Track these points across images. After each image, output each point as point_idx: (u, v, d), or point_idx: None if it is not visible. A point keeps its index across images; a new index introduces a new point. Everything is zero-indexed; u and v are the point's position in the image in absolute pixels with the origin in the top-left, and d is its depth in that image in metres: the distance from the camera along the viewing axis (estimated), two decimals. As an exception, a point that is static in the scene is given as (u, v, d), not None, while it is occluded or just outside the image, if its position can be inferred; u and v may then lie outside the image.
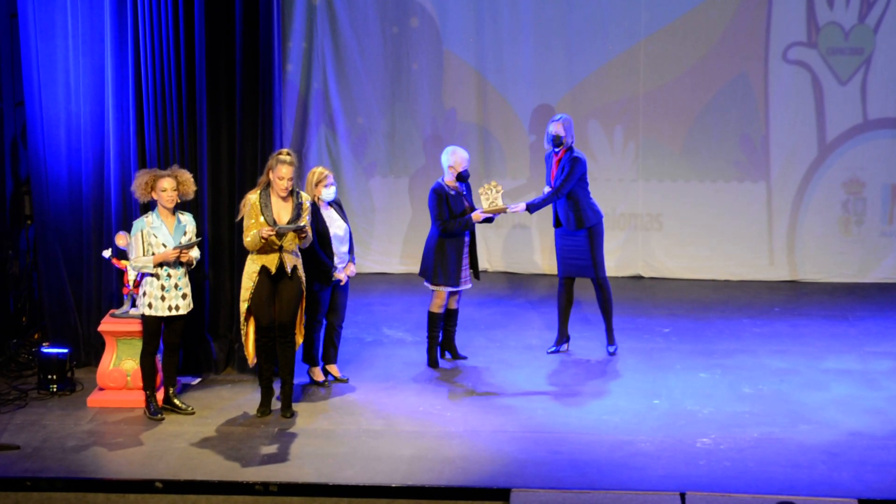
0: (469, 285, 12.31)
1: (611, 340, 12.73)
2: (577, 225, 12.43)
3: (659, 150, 15.54)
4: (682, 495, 9.51)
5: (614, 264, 15.71)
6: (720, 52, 15.34)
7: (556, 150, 12.35)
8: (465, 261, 12.17)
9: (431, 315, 12.28)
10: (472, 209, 12.08)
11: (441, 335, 12.44)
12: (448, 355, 12.52)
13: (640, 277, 15.67)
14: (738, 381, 11.92)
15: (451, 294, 12.27)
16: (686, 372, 12.20)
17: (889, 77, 15.22)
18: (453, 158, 11.99)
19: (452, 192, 12.04)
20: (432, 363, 12.33)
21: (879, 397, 11.51)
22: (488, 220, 12.25)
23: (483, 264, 15.38)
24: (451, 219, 11.97)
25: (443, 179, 12.08)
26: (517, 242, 15.83)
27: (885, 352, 12.74)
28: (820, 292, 15.03)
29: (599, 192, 15.53)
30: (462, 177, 12.01)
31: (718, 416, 11.09)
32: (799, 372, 12.17)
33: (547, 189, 12.43)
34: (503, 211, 12.11)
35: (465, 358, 12.49)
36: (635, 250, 15.71)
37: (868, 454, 10.25)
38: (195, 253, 11.09)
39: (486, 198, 12.04)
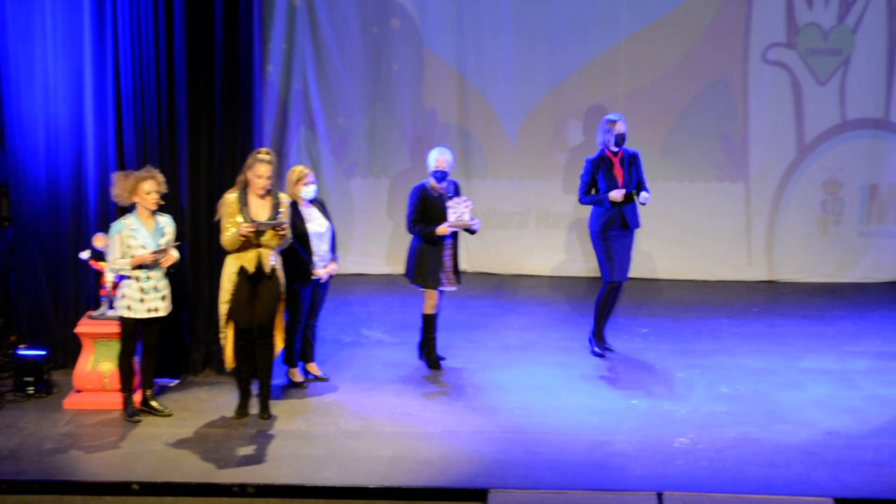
0: (451, 287, 12.28)
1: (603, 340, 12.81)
2: (636, 223, 12.57)
3: (639, 151, 15.52)
4: (660, 495, 9.53)
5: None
6: (700, 53, 15.37)
7: (617, 149, 12.37)
8: (448, 263, 12.16)
9: (426, 317, 12.25)
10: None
11: (421, 336, 12.45)
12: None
13: (619, 278, 15.69)
14: (716, 381, 11.94)
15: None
16: (664, 372, 12.22)
17: (868, 78, 15.27)
18: (430, 158, 12.00)
19: (435, 194, 12.04)
20: (432, 364, 12.30)
21: (856, 397, 11.54)
22: (470, 232, 12.18)
23: (461, 265, 15.39)
24: (419, 223, 11.97)
25: (427, 180, 12.09)
26: (497, 243, 15.84)
27: (863, 351, 12.77)
28: (798, 292, 15.07)
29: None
30: (436, 177, 12.01)
31: (696, 416, 11.11)
32: (777, 372, 12.20)
33: (620, 191, 12.35)
34: (468, 227, 12.04)
35: (443, 359, 12.48)
36: (615, 251, 15.73)
37: (845, 453, 10.28)
38: (175, 254, 11.06)
39: (454, 212, 11.98)
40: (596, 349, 12.70)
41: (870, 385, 11.83)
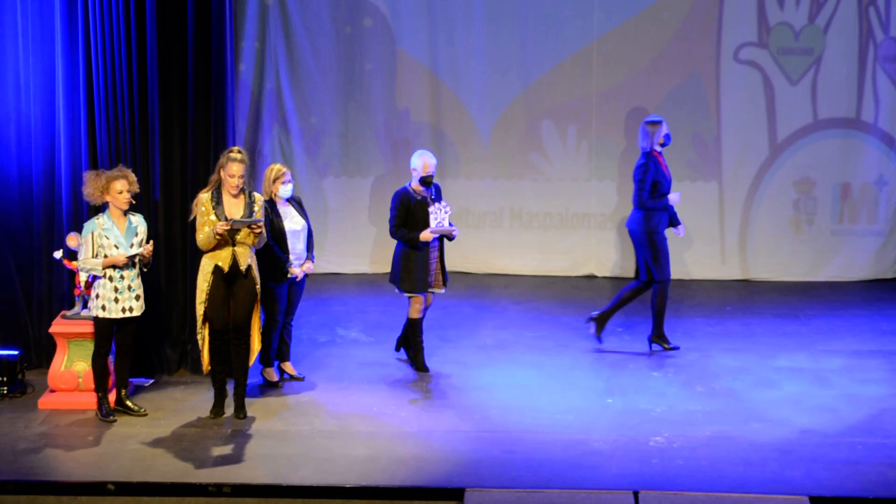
0: (439, 291, 12.14)
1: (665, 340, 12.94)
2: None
3: (612, 150, 15.58)
4: (636, 494, 9.54)
5: (568, 264, 15.76)
6: (672, 53, 15.40)
7: (660, 149, 12.54)
8: (433, 265, 12.05)
9: (412, 321, 12.15)
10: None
11: (401, 332, 12.38)
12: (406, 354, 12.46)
13: (593, 277, 15.71)
14: (691, 380, 11.97)
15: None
16: (639, 371, 12.24)
17: (839, 77, 15.33)
18: (417, 162, 11.88)
19: (418, 198, 11.93)
20: (420, 368, 12.20)
21: (830, 395, 11.58)
22: (449, 238, 12.05)
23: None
24: (401, 227, 11.91)
25: (409, 184, 12.02)
26: (471, 243, 15.81)
27: (836, 350, 12.82)
28: (772, 291, 15.11)
29: (553, 191, 15.64)
30: (424, 181, 11.94)
31: (671, 414, 11.13)
32: (751, 370, 12.23)
33: (678, 193, 12.67)
34: (448, 234, 11.95)
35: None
36: (588, 250, 15.75)
37: (819, 451, 10.31)
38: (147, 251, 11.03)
39: (435, 217, 11.89)
40: (666, 346, 12.82)
41: (844, 383, 11.87)
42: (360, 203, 15.84)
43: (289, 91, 15.59)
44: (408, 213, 11.90)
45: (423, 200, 11.94)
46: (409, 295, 12.06)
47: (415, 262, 11.94)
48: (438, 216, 11.87)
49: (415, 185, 11.97)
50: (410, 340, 12.25)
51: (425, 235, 11.85)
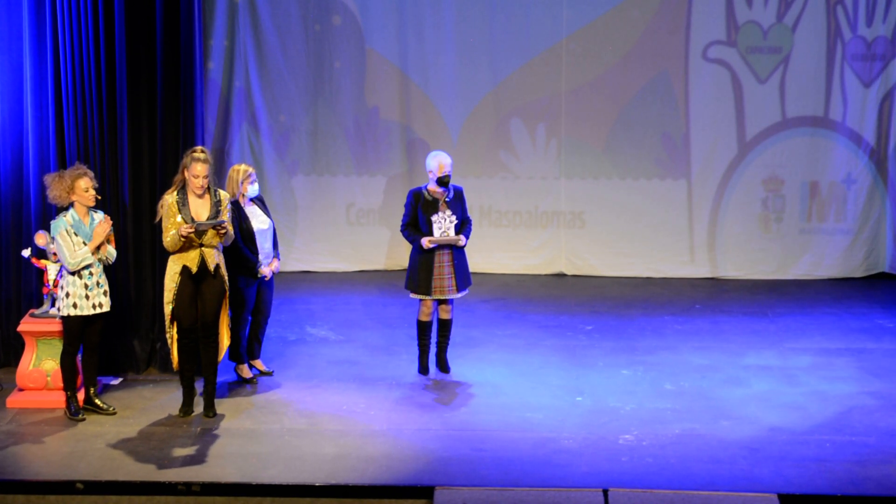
0: (455, 295, 11.94)
1: None
2: None
3: (581, 148, 15.60)
4: (605, 492, 9.56)
5: (537, 262, 15.76)
6: (641, 51, 15.42)
7: None
8: (446, 270, 11.89)
9: (417, 323, 12.07)
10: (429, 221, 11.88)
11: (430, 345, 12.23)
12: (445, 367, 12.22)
13: (562, 275, 15.71)
14: (660, 378, 12.00)
15: (439, 303, 12.03)
16: (608, 369, 12.26)
17: (807, 75, 15.37)
18: (432, 163, 11.73)
19: (429, 198, 11.81)
20: (422, 370, 12.14)
21: (799, 393, 11.63)
22: (457, 247, 11.90)
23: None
24: (409, 227, 11.83)
25: (426, 185, 11.90)
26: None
27: (805, 348, 12.87)
28: (740, 289, 15.15)
29: (522, 189, 15.65)
30: (441, 181, 11.81)
31: (641, 412, 11.16)
32: (720, 368, 12.27)
33: None
34: (454, 242, 11.78)
35: (448, 371, 12.16)
36: (558, 248, 15.75)
37: (788, 449, 10.36)
38: (111, 251, 11.00)
39: (439, 227, 11.81)
40: None
41: (812, 381, 11.91)
42: (330, 201, 15.81)
43: (258, 89, 15.56)
44: (416, 214, 11.83)
45: (434, 203, 11.80)
46: (412, 296, 12.00)
47: (420, 264, 11.85)
48: (443, 226, 11.76)
49: (431, 186, 11.81)
50: (417, 340, 12.19)
51: (424, 243, 11.75)
